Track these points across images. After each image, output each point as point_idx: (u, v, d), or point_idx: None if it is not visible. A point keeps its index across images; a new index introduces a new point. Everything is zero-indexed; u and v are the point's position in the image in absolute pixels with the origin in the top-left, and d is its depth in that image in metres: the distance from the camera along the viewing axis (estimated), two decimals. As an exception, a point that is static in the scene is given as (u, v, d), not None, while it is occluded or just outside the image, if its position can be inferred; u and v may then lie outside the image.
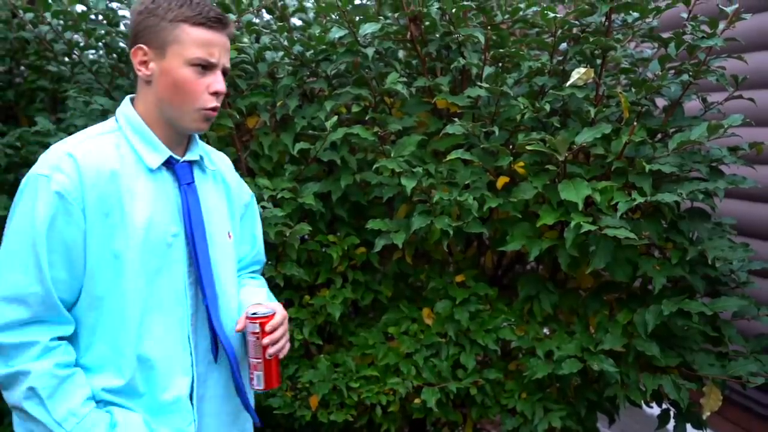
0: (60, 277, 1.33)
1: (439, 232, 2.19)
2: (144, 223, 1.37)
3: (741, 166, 2.32)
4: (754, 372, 2.15)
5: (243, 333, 1.50)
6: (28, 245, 1.31)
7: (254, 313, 1.47)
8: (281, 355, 1.49)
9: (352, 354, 2.36)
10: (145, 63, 1.40)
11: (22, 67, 3.10)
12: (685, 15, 2.29)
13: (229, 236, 1.56)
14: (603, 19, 2.30)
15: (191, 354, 1.46)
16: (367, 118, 2.39)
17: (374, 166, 2.26)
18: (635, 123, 2.13)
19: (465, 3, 2.27)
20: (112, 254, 1.35)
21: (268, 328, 1.45)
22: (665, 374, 2.17)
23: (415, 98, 2.43)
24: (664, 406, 2.37)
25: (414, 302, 2.47)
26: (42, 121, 2.44)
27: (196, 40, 1.37)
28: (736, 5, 2.18)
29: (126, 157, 1.39)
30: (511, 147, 2.28)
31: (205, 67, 1.39)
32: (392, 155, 2.24)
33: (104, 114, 2.49)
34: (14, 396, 1.32)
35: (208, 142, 2.22)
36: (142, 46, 1.39)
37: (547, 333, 2.36)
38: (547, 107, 2.19)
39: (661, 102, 2.46)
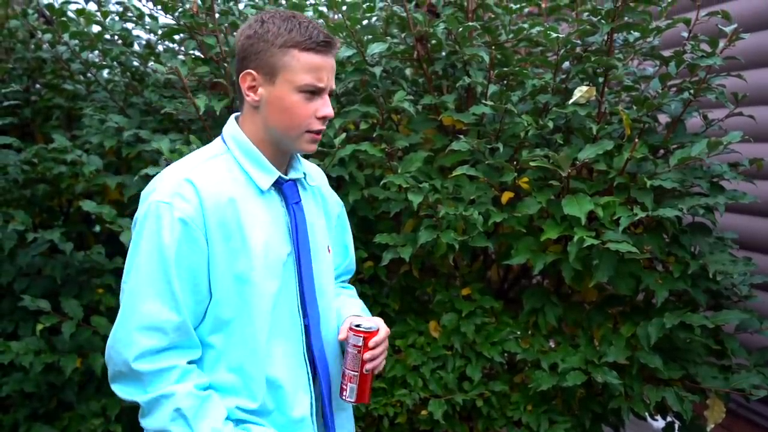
0: (187, 302, 1.33)
1: (445, 246, 2.22)
2: (263, 246, 1.37)
3: (741, 182, 2.36)
4: (757, 385, 2.17)
5: (342, 344, 1.49)
6: (159, 273, 1.31)
7: (358, 325, 1.45)
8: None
9: (360, 366, 2.39)
10: (253, 88, 1.38)
11: (39, 86, 3.17)
12: (685, 34, 2.33)
13: (329, 251, 1.56)
14: (605, 39, 2.34)
15: (308, 372, 1.46)
16: (374, 135, 2.44)
17: (382, 182, 2.30)
18: (637, 139, 2.17)
19: (470, 23, 2.33)
20: (237, 278, 1.35)
21: (371, 343, 1.43)
22: (668, 386, 2.20)
23: (421, 115, 2.48)
24: (668, 418, 2.39)
25: (421, 315, 2.50)
26: (59, 138, 2.49)
27: (306, 66, 1.35)
28: (735, 25, 2.23)
29: (238, 179, 1.39)
30: (515, 163, 2.32)
31: (314, 92, 1.37)
32: (399, 171, 2.28)
33: (119, 131, 2.55)
34: (159, 420, 1.31)
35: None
36: (251, 71, 1.37)
37: (552, 345, 2.38)
38: (551, 124, 2.24)
39: (664, 118, 2.50)
